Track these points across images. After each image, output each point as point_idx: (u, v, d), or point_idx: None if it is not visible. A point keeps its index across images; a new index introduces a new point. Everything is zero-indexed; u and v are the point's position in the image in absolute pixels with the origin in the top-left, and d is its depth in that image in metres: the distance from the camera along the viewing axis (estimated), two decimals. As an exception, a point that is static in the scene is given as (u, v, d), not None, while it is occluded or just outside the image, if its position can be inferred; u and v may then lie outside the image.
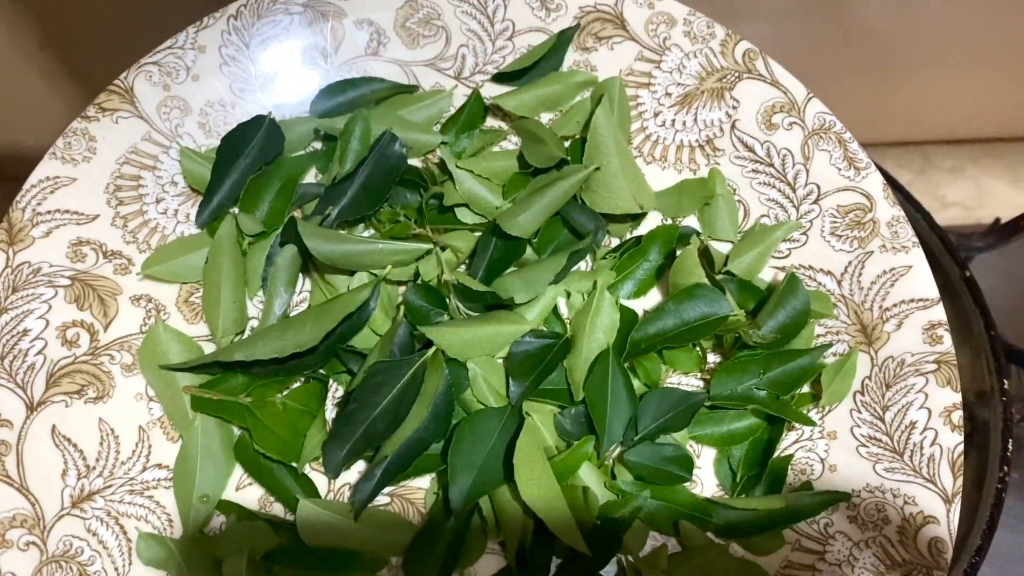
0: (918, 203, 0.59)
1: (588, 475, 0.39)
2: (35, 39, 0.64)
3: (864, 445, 0.40)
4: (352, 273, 0.42)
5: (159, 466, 0.40)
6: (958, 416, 0.39)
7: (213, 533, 0.39)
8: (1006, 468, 0.50)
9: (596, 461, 0.40)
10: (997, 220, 0.61)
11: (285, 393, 0.41)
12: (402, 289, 0.43)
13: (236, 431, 0.40)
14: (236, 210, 0.43)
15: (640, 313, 0.43)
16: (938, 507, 0.38)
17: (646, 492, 0.39)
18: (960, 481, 0.38)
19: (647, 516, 0.39)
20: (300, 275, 0.43)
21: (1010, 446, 0.50)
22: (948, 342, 0.40)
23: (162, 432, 0.40)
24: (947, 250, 0.57)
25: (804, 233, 0.44)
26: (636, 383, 0.41)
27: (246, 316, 0.42)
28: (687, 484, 0.40)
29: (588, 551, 0.36)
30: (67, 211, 0.42)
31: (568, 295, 0.43)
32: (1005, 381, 0.52)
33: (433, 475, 0.40)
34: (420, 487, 0.40)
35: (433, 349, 0.39)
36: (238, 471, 0.40)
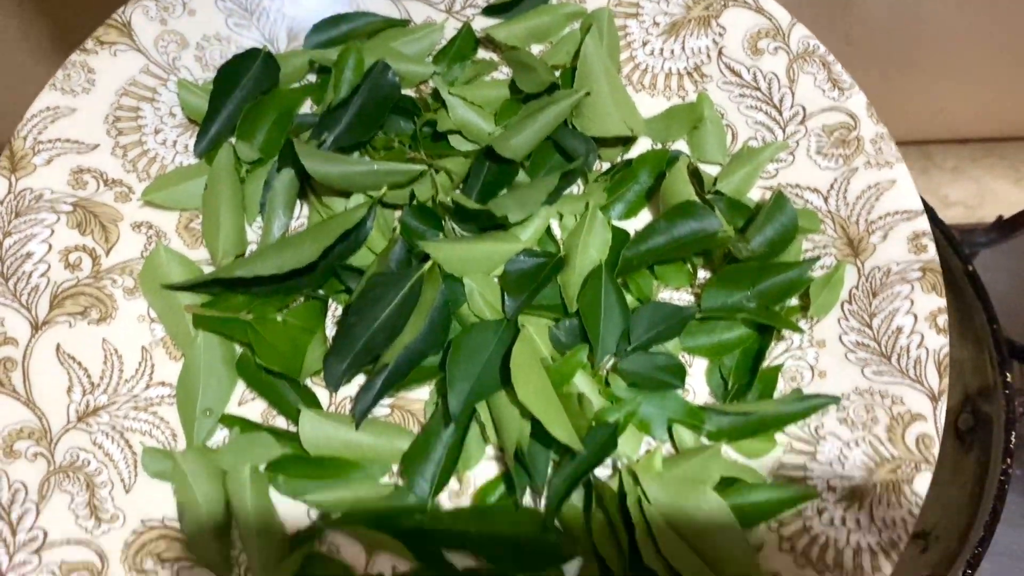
0: (921, 198, 0.60)
1: (583, 383, 0.40)
2: (47, 38, 0.65)
3: (852, 351, 0.41)
4: (348, 196, 0.43)
5: (162, 384, 0.41)
6: (943, 320, 0.40)
7: (217, 447, 0.40)
8: (1009, 460, 0.51)
9: (591, 371, 0.41)
10: (1000, 218, 0.62)
11: (285, 312, 0.41)
12: (398, 213, 0.44)
13: (237, 349, 0.41)
14: (234, 140, 0.44)
15: (631, 234, 0.44)
16: (925, 406, 0.39)
17: (640, 398, 0.40)
18: (946, 380, 0.39)
19: (641, 422, 0.40)
20: (298, 201, 0.44)
21: (1013, 439, 0.52)
22: (932, 251, 0.41)
23: (165, 352, 0.41)
24: (950, 245, 0.57)
25: (791, 153, 0.45)
26: (628, 298, 0.42)
27: (245, 240, 0.43)
28: (680, 392, 0.41)
29: (582, 448, 0.37)
30: (67, 140, 0.42)
31: (561, 217, 0.44)
32: (1008, 374, 0.53)
33: (432, 387, 0.41)
34: (419, 398, 0.41)
35: (430, 263, 0.40)
36: (240, 388, 0.41)
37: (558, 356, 0.41)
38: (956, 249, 0.57)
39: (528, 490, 0.39)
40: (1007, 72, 0.75)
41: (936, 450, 0.38)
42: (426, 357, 0.40)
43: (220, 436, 0.40)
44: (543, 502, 0.39)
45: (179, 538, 0.38)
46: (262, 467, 0.39)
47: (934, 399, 0.39)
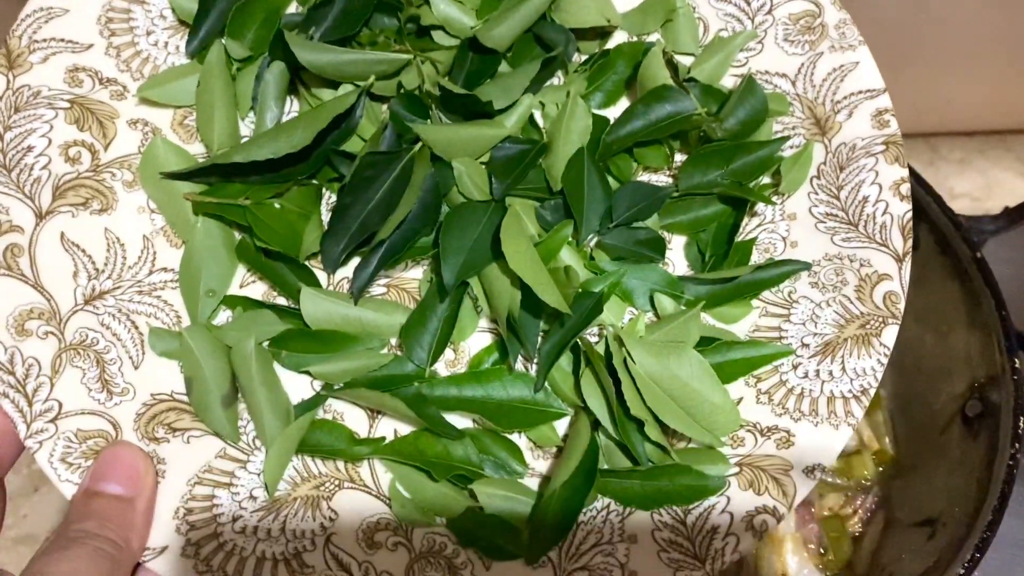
0: (929, 186, 0.62)
1: (569, 257, 0.42)
2: None
3: (822, 221, 0.43)
4: (337, 88, 0.44)
5: (164, 269, 0.42)
6: (906, 188, 0.42)
7: (221, 325, 0.41)
8: (1017, 446, 0.53)
9: (576, 248, 0.43)
10: (1006, 208, 0.63)
11: (281, 198, 0.43)
12: (385, 107, 0.45)
13: (236, 236, 0.43)
14: (224, 40, 0.45)
15: (611, 121, 0.46)
16: (891, 266, 0.41)
17: (623, 270, 0.42)
18: (910, 243, 0.41)
19: (624, 292, 0.42)
20: (288, 97, 0.45)
21: (1021, 424, 0.54)
22: (895, 125, 0.44)
23: (165, 240, 0.43)
24: (957, 231, 0.59)
25: (760, 42, 0.47)
26: (610, 180, 0.44)
27: (238, 134, 0.44)
28: (660, 265, 0.43)
29: (569, 311, 0.39)
30: (62, 40, 0.43)
31: (543, 107, 0.45)
32: (1016, 360, 0.55)
33: (426, 267, 0.43)
34: (414, 278, 0.43)
35: (420, 144, 0.41)
36: (240, 274, 0.43)
37: (544, 235, 0.43)
38: (963, 236, 0.58)
39: (520, 359, 0.41)
40: (1014, 64, 0.76)
41: (902, 306, 0.40)
42: (419, 235, 0.41)
43: (222, 317, 0.42)
44: (534, 368, 0.41)
45: (188, 410, 0.40)
46: (265, 344, 0.41)
47: (899, 260, 0.41)
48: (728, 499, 0.38)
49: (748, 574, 0.65)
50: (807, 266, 0.42)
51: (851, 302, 0.41)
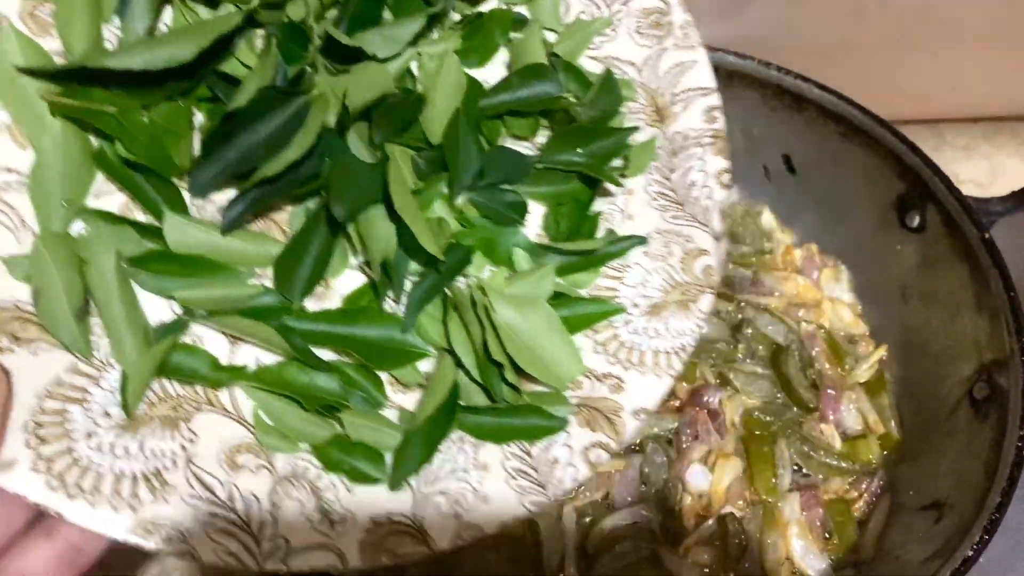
0: (936, 166, 0.62)
1: (442, 210, 0.44)
2: None
3: (655, 199, 0.49)
4: (217, 6, 0.43)
5: (8, 170, 0.39)
6: (727, 177, 0.49)
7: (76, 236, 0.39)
8: None
9: (448, 202, 0.45)
10: (1013, 191, 0.63)
11: (148, 112, 0.41)
12: (262, 32, 0.44)
13: (93, 144, 0.40)
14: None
15: (481, 83, 0.48)
16: (710, 243, 0.48)
17: (491, 226, 0.45)
18: (727, 223, 0.48)
19: (488, 248, 0.45)
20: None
21: None
22: (722, 122, 0.50)
23: (10, 138, 0.39)
24: (966, 212, 0.59)
25: (614, 29, 0.52)
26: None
27: (102, 37, 0.41)
28: (521, 228, 0.47)
29: (443, 258, 0.41)
30: None
31: (419, 56, 0.47)
32: None
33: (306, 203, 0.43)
34: (283, 208, 0.43)
35: (316, 92, 0.42)
36: (96, 182, 0.40)
37: (420, 184, 0.44)
38: (971, 216, 0.58)
39: (392, 303, 0.43)
40: (1020, 51, 0.77)
41: (718, 278, 0.47)
42: (305, 181, 0.41)
43: (74, 229, 0.40)
44: (402, 311, 0.43)
45: (35, 321, 0.37)
46: (124, 261, 0.39)
47: (716, 239, 0.48)
48: (568, 434, 0.43)
49: (752, 558, 0.64)
50: (644, 241, 0.48)
51: (676, 271, 0.47)
